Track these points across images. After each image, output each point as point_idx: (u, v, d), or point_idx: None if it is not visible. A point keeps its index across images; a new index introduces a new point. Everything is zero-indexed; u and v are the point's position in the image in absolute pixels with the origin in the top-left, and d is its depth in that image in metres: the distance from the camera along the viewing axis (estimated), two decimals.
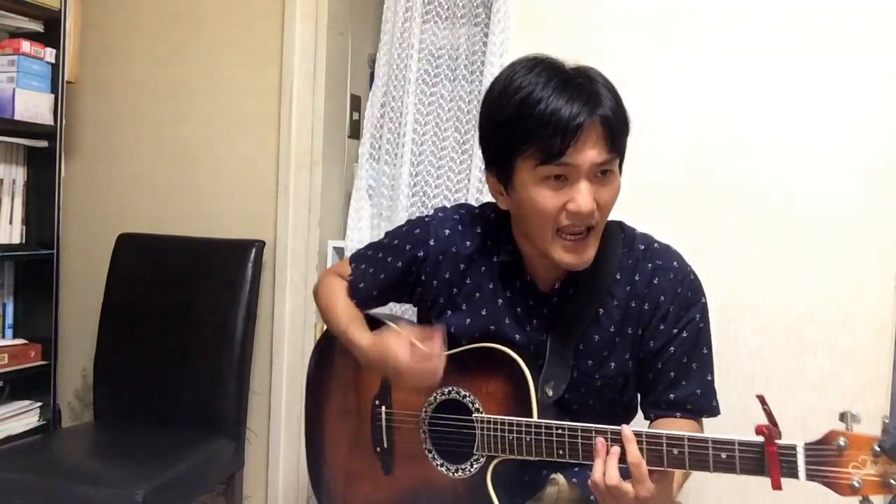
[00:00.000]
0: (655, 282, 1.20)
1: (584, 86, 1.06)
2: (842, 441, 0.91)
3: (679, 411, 1.21)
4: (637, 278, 1.20)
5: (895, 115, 1.66)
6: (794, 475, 0.94)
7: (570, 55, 1.14)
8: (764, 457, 0.95)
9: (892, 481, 0.89)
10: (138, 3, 2.29)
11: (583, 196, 1.06)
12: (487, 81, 1.90)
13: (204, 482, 1.92)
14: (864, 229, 1.68)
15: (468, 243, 1.27)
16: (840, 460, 0.91)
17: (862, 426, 0.92)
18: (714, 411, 1.23)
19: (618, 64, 1.83)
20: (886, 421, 0.91)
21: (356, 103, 2.36)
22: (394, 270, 1.32)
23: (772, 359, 1.75)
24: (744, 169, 1.75)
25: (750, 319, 1.75)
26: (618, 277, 1.20)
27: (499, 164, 1.13)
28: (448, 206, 1.38)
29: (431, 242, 1.28)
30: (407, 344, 1.14)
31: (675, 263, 1.22)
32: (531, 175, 1.08)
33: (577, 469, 1.27)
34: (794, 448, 0.94)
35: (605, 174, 1.09)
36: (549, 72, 1.08)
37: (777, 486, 0.94)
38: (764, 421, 0.96)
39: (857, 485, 0.91)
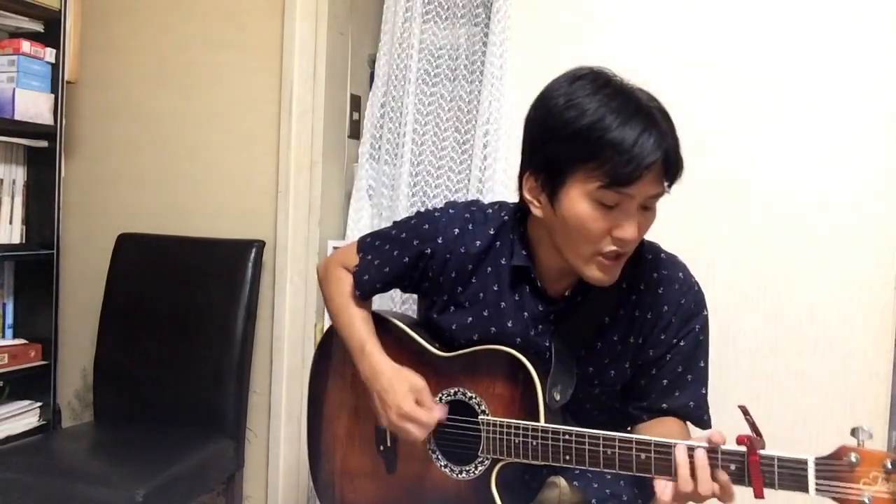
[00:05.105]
0: (660, 292, 1.20)
1: (655, 115, 1.05)
2: (853, 457, 0.90)
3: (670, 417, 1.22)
4: (643, 288, 1.20)
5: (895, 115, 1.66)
6: (805, 489, 0.93)
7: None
8: (746, 467, 0.95)
9: None
10: (138, 3, 2.29)
11: (632, 226, 1.07)
12: (488, 81, 1.90)
13: (204, 482, 1.92)
14: (865, 229, 1.68)
15: (478, 243, 1.25)
16: (851, 476, 0.90)
17: (872, 442, 0.91)
18: (705, 425, 1.23)
19: (618, 63, 1.84)
20: None
21: (356, 103, 2.36)
22: (400, 264, 1.31)
23: (772, 359, 1.75)
24: (744, 169, 1.75)
25: (750, 319, 1.75)
26: (624, 287, 1.20)
27: (548, 172, 1.10)
28: (458, 200, 1.36)
29: (440, 240, 1.26)
30: (412, 397, 1.20)
31: (680, 275, 1.22)
32: (587, 193, 1.06)
33: (577, 472, 1.26)
34: (804, 462, 0.93)
35: (650, 203, 1.10)
36: (621, 96, 1.06)
37: (759, 495, 0.95)
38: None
39: (867, 502, 0.90)
